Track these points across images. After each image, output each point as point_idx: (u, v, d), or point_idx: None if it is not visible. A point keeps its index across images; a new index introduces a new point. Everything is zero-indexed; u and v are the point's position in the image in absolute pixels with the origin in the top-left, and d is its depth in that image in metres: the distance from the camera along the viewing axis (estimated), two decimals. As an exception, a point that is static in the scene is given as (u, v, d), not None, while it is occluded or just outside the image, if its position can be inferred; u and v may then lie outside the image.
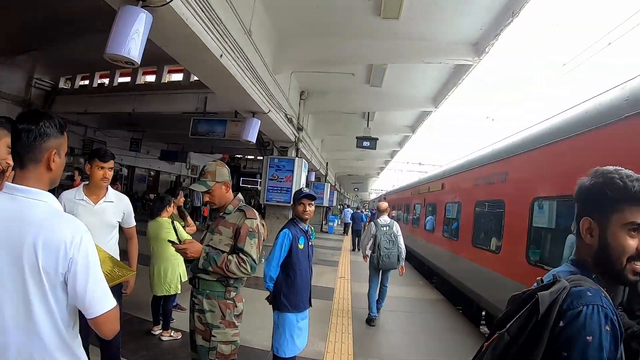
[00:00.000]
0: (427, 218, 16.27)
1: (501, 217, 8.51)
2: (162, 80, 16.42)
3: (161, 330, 6.51)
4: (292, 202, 5.38)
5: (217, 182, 3.89)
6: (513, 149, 8.40)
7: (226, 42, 7.01)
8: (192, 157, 31.50)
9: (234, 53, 7.47)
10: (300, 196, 5.02)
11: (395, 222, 9.09)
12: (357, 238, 22.27)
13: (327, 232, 30.77)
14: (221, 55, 6.97)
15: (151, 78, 17.00)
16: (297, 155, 15.22)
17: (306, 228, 5.10)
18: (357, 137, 16.37)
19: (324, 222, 32.36)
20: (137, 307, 7.16)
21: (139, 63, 5.16)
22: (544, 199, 7.07)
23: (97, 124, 21.81)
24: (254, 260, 3.69)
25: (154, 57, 7.32)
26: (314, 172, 25.38)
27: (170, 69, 16.08)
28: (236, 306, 3.77)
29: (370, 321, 8.59)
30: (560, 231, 6.72)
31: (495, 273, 8.37)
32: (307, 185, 25.94)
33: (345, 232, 30.05)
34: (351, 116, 18.07)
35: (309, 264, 5.13)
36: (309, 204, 5.00)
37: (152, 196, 27.86)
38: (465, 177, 11.54)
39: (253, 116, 10.91)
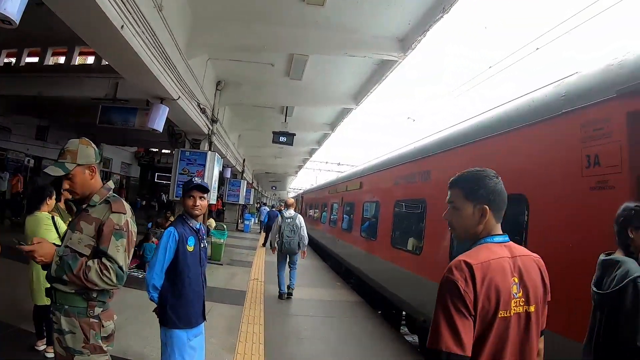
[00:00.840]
0: (345, 218, 15.85)
1: (422, 217, 8.16)
2: (72, 63, 15.28)
3: (45, 346, 5.45)
4: (181, 195, 4.44)
5: (79, 164, 2.99)
6: (438, 146, 8.02)
7: (129, 13, 6.22)
8: (104, 149, 29.77)
9: (139, 26, 6.68)
10: (189, 187, 4.19)
11: (299, 215, 10.68)
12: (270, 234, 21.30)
13: (242, 231, 29.80)
14: (122, 27, 6.15)
15: (62, 59, 15.84)
16: (210, 149, 14.40)
17: (198, 226, 4.30)
18: (273, 132, 15.83)
19: (239, 220, 31.53)
20: (20, 318, 6.14)
21: (17, 23, 4.38)
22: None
23: (1, 108, 19.85)
24: (120, 268, 2.82)
25: (65, 36, 6.42)
26: (230, 168, 24.59)
27: (82, 50, 15.05)
28: (103, 326, 2.91)
29: (280, 296, 10.39)
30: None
31: (416, 275, 7.99)
32: (222, 182, 25.49)
33: (261, 230, 29.29)
34: (269, 111, 17.46)
35: (201, 269, 4.30)
36: (200, 197, 4.19)
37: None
38: (384, 176, 11.16)
39: (161, 102, 10.05)
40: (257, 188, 51.12)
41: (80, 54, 15.29)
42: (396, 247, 9.50)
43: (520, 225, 5.17)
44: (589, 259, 3.49)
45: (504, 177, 2.19)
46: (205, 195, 4.26)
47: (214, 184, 14.35)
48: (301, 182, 72.13)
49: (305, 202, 31.11)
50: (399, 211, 9.78)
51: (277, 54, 11.68)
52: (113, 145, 29.20)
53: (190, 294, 4.06)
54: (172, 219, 14.09)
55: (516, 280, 1.96)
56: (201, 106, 12.36)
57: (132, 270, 11.23)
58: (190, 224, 4.21)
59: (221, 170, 19.74)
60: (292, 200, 11.85)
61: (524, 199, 5.12)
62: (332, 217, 18.69)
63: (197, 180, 4.31)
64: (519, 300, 1.94)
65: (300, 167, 39.64)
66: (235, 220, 30.19)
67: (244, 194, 28.96)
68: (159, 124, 10.14)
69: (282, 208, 16.90)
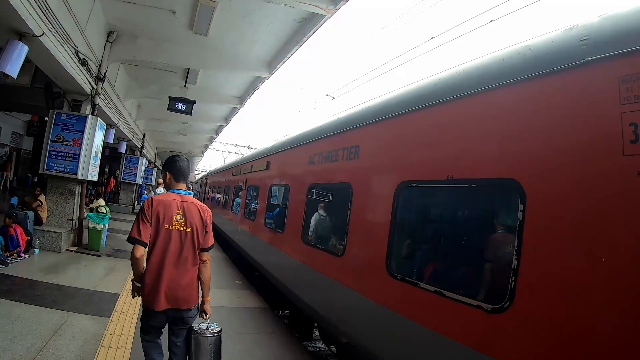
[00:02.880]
0: (248, 203, 13.83)
1: (346, 207, 6.34)
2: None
3: None
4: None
5: None
6: (376, 113, 6.13)
7: None
8: None
9: None
10: None
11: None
12: None
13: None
14: None
15: None
16: (93, 113, 12.02)
17: None
18: (170, 98, 13.52)
19: (136, 202, 28.59)
20: None
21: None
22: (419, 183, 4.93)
23: None
24: None
25: None
26: (125, 142, 22.06)
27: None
28: None
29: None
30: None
31: (336, 282, 6.25)
32: (116, 158, 23.15)
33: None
34: (171, 76, 15.31)
35: None
36: None
37: None
38: (297, 154, 9.23)
39: (20, 39, 7.69)
40: (160, 168, 48.15)
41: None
42: (309, 244, 7.64)
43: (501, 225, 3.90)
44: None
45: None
46: None
47: (93, 157, 11.95)
48: (210, 164, 69.40)
49: (209, 185, 28.62)
50: (313, 199, 7.95)
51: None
52: None
53: None
54: (41, 197, 11.86)
55: (180, 212, 4.14)
56: (81, 55, 10.10)
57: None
58: None
59: (111, 142, 17.40)
60: (161, 180, 14.31)
61: (515, 186, 3.51)
62: (234, 202, 16.50)
63: None
64: (180, 223, 4.12)
65: (206, 146, 37.54)
66: (131, 202, 27.51)
67: (142, 172, 26.30)
68: (12, 68, 7.67)
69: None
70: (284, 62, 12.00)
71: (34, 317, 6.42)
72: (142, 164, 26.10)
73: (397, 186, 5.04)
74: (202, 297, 4.34)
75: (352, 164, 6.40)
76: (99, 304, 7.64)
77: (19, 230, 10.19)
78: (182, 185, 4.39)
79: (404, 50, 10.89)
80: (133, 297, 4.38)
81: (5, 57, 7.55)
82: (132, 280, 4.27)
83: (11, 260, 9.56)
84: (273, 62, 12.68)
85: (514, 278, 3.31)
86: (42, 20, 7.65)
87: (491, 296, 3.66)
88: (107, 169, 34.65)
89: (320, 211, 7.83)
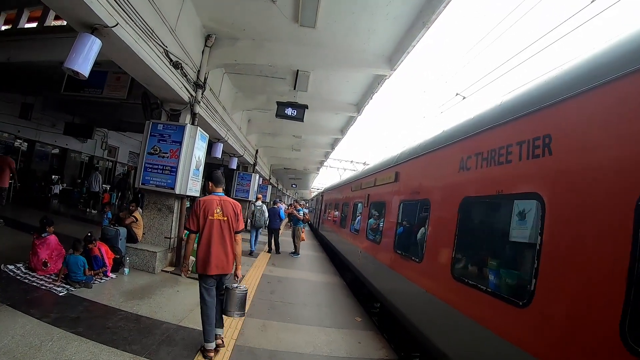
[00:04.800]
0: (370, 223, 11.69)
1: (532, 230, 4.32)
2: (46, 24, 13.50)
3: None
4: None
5: None
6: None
7: None
8: (110, 136, 27.34)
9: None
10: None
11: (264, 204, 17.63)
12: (274, 237, 18.10)
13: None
14: None
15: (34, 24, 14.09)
16: (193, 123, 10.76)
17: None
18: (278, 103, 11.88)
19: (249, 219, 26.99)
20: None
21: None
22: None
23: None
24: None
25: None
26: (236, 158, 21.13)
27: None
28: None
29: (250, 253, 16.07)
30: None
31: (515, 347, 4.01)
32: (225, 174, 22.29)
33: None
34: (280, 83, 13.82)
35: None
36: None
37: (54, 177, 25.28)
38: (441, 159, 7.05)
39: (92, 33, 6.48)
40: (275, 185, 47.57)
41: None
42: (462, 282, 5.40)
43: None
44: None
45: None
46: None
47: (194, 170, 10.58)
48: (325, 182, 68.12)
49: (325, 202, 26.83)
50: (467, 217, 5.80)
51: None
52: (117, 131, 26.42)
53: None
54: (137, 213, 10.72)
55: (219, 207, 5.90)
56: (172, 57, 8.83)
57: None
58: None
59: (219, 157, 16.54)
60: (260, 196, 19.48)
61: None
62: (354, 220, 14.46)
63: None
64: (219, 214, 5.88)
65: (321, 162, 35.78)
66: (244, 219, 26.14)
67: (256, 188, 25.14)
68: (83, 65, 6.45)
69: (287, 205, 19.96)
70: (408, 52, 9.91)
71: (89, 359, 5.03)
72: (256, 180, 24.94)
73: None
74: (235, 265, 6.16)
75: (540, 164, 4.25)
76: (179, 347, 6.01)
77: (104, 248, 9.13)
78: (220, 189, 6.25)
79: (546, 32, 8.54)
80: (182, 274, 6.64)
81: (75, 52, 6.38)
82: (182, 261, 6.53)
83: (94, 281, 8.44)
84: (394, 56, 10.67)
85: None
86: (114, 8, 6.48)
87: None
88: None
89: (481, 234, 5.68)
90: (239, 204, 6.31)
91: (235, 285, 5.98)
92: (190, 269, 6.51)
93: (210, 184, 6.26)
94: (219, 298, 5.97)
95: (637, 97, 3.19)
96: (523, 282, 4.29)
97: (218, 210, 5.89)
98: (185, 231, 6.36)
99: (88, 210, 20.29)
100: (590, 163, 3.56)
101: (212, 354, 5.78)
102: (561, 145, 3.94)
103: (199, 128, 10.58)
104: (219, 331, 6.07)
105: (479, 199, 5.46)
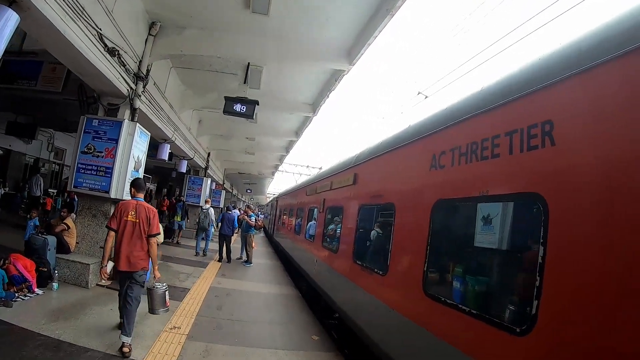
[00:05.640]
0: (327, 230, 10.92)
1: (530, 238, 3.66)
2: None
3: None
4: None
5: None
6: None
7: None
8: (57, 137, 25.71)
9: None
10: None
11: (211, 208, 18.38)
12: (225, 245, 16.93)
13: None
14: None
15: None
16: (132, 119, 9.80)
17: None
18: (226, 98, 10.96)
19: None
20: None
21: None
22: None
23: None
24: None
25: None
26: (185, 160, 20.09)
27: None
28: None
29: (196, 254, 17.13)
30: None
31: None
32: (177, 178, 21.61)
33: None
34: (231, 80, 12.82)
35: None
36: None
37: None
38: (407, 156, 6.30)
39: (9, 6, 5.58)
40: (230, 190, 46.45)
41: None
42: (438, 300, 4.61)
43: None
44: None
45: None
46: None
47: (132, 172, 9.69)
48: (281, 187, 67.48)
49: (279, 208, 26.04)
50: (443, 224, 5.09)
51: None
52: (64, 132, 24.60)
53: None
54: (69, 220, 9.68)
55: (133, 210, 6.44)
56: (108, 42, 8.00)
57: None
58: None
59: (166, 158, 15.70)
60: (209, 200, 20.23)
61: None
62: (309, 227, 13.74)
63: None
64: (133, 216, 6.40)
65: (276, 166, 35.06)
66: (195, 227, 24.86)
67: (207, 194, 24.31)
68: None
69: (242, 211, 20.90)
70: (369, 45, 9.20)
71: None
72: (207, 185, 24.08)
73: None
74: (152, 266, 6.70)
75: (537, 157, 3.51)
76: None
77: (22, 263, 7.97)
78: (140, 195, 6.80)
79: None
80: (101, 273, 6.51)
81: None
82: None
83: (16, 299, 7.40)
84: (354, 49, 9.94)
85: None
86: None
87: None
88: (165, 190, 33.63)
89: (460, 243, 4.92)
90: (154, 210, 6.78)
91: (156, 285, 6.78)
92: (109, 272, 6.85)
93: (132, 189, 6.84)
94: (126, 300, 6.28)
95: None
96: (519, 303, 3.59)
97: (132, 213, 6.45)
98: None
99: (28, 216, 18.97)
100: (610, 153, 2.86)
101: (125, 349, 5.99)
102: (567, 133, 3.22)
103: (138, 125, 9.61)
104: (124, 338, 6.11)
105: (457, 202, 4.70)
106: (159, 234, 6.85)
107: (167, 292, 6.84)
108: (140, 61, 9.77)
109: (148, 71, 10.04)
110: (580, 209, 3.02)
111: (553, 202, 3.24)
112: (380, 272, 6.38)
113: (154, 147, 14.31)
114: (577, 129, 3.16)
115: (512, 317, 3.60)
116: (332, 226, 10.64)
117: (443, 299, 4.47)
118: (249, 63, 10.93)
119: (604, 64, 3.03)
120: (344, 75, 11.31)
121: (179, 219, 20.56)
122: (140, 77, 9.69)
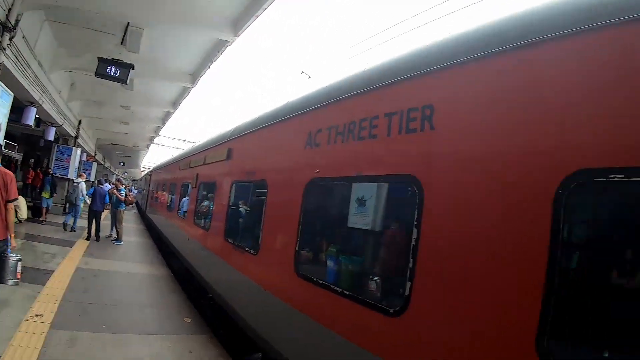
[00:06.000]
0: (199, 206, 10.76)
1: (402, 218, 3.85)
2: None
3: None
4: None
5: None
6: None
7: None
8: None
9: None
10: None
11: (83, 182, 17.54)
12: (95, 222, 15.59)
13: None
14: None
15: None
16: None
17: None
18: (99, 59, 10.29)
19: (67, 203, 24.23)
20: None
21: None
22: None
23: None
24: None
25: None
26: (54, 127, 18.51)
27: None
28: None
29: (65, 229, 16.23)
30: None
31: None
32: (45, 147, 20.30)
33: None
34: (110, 40, 11.92)
35: None
36: None
37: None
38: (282, 133, 6.30)
39: None
40: (102, 162, 44.29)
41: None
42: (308, 279, 4.64)
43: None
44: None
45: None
46: None
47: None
48: (157, 161, 65.55)
49: (153, 183, 25.20)
50: (316, 203, 5.13)
51: None
52: None
53: None
54: None
55: None
56: None
57: None
58: None
59: (31, 124, 14.21)
60: (84, 175, 19.24)
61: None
62: (182, 203, 13.48)
63: None
64: None
65: (152, 138, 33.90)
66: (62, 201, 22.93)
67: (76, 165, 22.77)
68: None
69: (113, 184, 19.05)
70: (257, 16, 9.03)
71: None
72: (77, 155, 22.53)
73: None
74: (9, 234, 6.16)
75: (417, 140, 3.54)
76: None
77: None
78: None
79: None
80: None
81: None
82: None
83: None
84: (241, 20, 9.74)
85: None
86: None
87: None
88: (32, 160, 31.11)
89: (333, 223, 5.03)
90: (11, 174, 6.30)
91: (10, 254, 6.29)
92: None
93: None
94: None
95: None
96: (393, 284, 3.66)
97: None
98: None
99: None
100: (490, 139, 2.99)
101: None
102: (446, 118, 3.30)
103: (0, 83, 8.69)
104: None
105: (331, 181, 4.73)
106: (17, 199, 6.34)
107: (19, 264, 6.39)
108: (10, 9, 8.78)
109: (17, 21, 9.08)
110: (455, 193, 3.09)
111: (428, 185, 3.28)
112: (252, 252, 6.27)
113: (18, 111, 13.10)
114: (457, 115, 3.23)
115: (386, 298, 3.67)
116: (205, 203, 10.41)
117: (315, 280, 4.44)
118: (128, 23, 10.31)
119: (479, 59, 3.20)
120: (227, 46, 11.07)
121: (47, 196, 18.62)
122: (7, 27, 8.76)
